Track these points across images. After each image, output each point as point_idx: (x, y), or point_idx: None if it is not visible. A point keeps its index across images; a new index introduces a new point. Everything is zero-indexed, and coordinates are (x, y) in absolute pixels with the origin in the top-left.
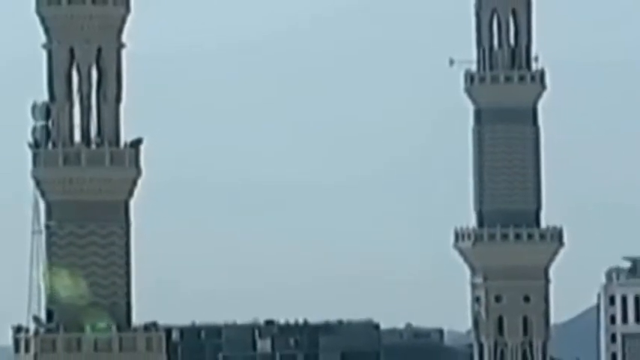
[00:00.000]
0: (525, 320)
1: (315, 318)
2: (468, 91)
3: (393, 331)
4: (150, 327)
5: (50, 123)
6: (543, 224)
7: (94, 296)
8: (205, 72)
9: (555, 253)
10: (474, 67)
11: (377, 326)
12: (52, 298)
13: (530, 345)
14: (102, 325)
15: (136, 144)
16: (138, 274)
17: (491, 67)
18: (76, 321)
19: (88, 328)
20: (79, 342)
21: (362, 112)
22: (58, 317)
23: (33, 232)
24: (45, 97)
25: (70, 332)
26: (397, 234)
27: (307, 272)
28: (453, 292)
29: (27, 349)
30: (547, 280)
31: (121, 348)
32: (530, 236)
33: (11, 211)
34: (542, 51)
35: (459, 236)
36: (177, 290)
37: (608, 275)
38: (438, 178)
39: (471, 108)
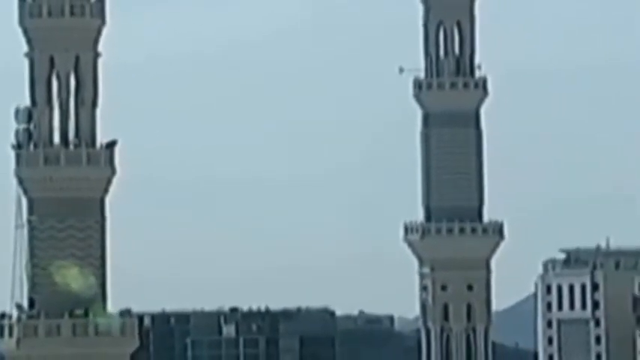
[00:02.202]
0: (469, 307)
1: (276, 305)
2: (417, 97)
3: (347, 318)
4: (124, 314)
5: (32, 126)
6: (485, 219)
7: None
8: (171, 79)
9: (496, 245)
10: (421, 75)
11: (333, 313)
12: (34, 288)
13: (474, 330)
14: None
15: (111, 145)
16: (112, 265)
17: (437, 75)
18: (56, 308)
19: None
20: (58, 327)
21: (320, 116)
22: (40, 305)
23: (16, 227)
24: (27, 102)
25: (51, 318)
26: (351, 228)
27: (269, 263)
28: (402, 281)
29: (10, 334)
30: (489, 271)
31: (97, 333)
32: (473, 230)
33: None
34: (485, 60)
35: (408, 230)
36: (148, 280)
37: (545, 266)
38: (388, 177)
39: (419, 112)
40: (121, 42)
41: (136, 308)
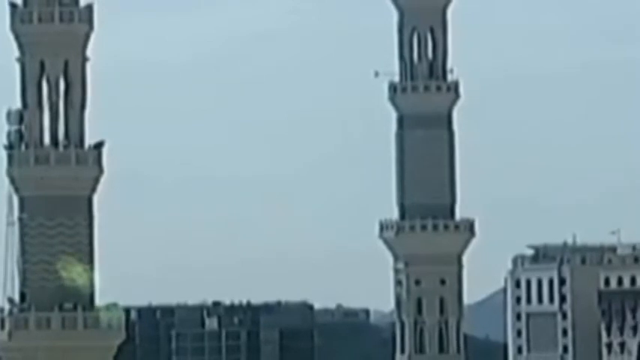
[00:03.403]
0: (441, 301)
1: (257, 299)
2: (392, 100)
3: (325, 311)
4: (111, 307)
5: (23, 127)
6: (457, 217)
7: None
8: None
9: (468, 242)
10: (396, 79)
11: (311, 307)
12: (25, 283)
13: (446, 323)
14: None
15: (99, 146)
16: (100, 260)
17: (411, 79)
18: (46, 302)
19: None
20: (48, 320)
21: (299, 117)
22: (30, 298)
23: (7, 224)
24: (18, 104)
25: (41, 312)
26: (329, 225)
27: (250, 259)
28: (377, 276)
29: (2, 327)
30: (460, 266)
31: (85, 326)
32: (446, 227)
33: None
34: (457, 64)
35: (383, 227)
36: (135, 275)
37: (514, 261)
38: (365, 176)
39: (394, 114)
40: (109, 47)
41: (123, 302)
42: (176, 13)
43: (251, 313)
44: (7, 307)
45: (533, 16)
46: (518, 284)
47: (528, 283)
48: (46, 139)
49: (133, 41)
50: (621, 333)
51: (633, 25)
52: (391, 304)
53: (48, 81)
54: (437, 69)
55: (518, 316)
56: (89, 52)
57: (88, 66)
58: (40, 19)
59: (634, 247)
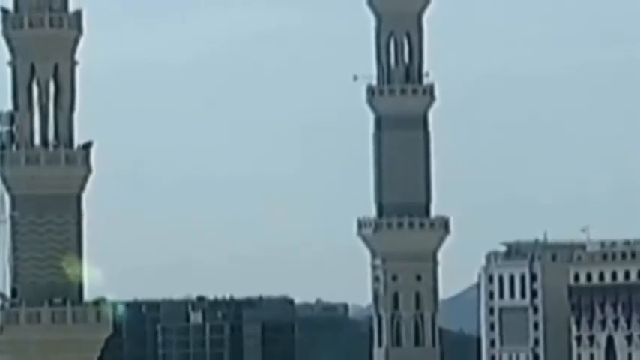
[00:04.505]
0: (417, 296)
1: (240, 294)
2: (370, 102)
3: (305, 305)
4: (99, 302)
5: (14, 128)
6: (433, 215)
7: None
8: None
9: (443, 239)
10: (374, 82)
11: (292, 301)
12: (16, 279)
13: (422, 317)
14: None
15: (87, 146)
16: (89, 256)
17: (388, 82)
18: (37, 297)
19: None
20: (38, 315)
21: (282, 119)
22: (21, 294)
23: None
24: (10, 106)
25: (31, 306)
26: (310, 223)
27: (233, 256)
28: (356, 272)
29: None
30: (435, 262)
31: (74, 319)
32: (421, 225)
33: None
34: (432, 67)
35: (361, 225)
36: (122, 271)
37: (488, 258)
38: (344, 176)
39: (371, 116)
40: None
41: (110, 296)
42: (165, 18)
43: (234, 307)
44: None
45: (508, 19)
46: (491, 280)
47: (501, 278)
48: (37, 140)
49: (121, 45)
50: (590, 327)
51: (605, 28)
52: (369, 299)
53: (38, 84)
54: (413, 72)
55: (491, 311)
56: (78, 56)
57: (77, 69)
58: (30, 25)
59: (602, 244)
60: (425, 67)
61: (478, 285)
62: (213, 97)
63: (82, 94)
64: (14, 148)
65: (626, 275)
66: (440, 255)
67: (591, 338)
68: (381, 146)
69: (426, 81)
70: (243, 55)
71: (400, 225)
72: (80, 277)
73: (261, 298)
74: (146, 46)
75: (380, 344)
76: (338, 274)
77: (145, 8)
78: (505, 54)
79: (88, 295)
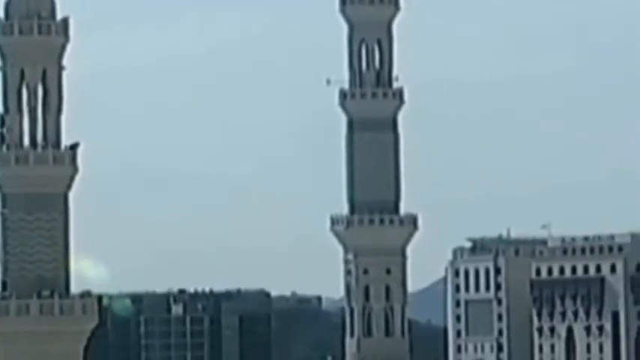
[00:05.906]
0: (387, 289)
1: (218, 287)
2: (342, 105)
3: (281, 298)
4: (85, 295)
5: (4, 130)
6: (402, 212)
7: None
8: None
9: (411, 235)
10: (346, 86)
11: (268, 294)
12: (6, 272)
13: (392, 309)
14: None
15: (74, 147)
16: (76, 251)
17: (360, 86)
18: (26, 290)
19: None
20: (27, 307)
21: (259, 120)
22: (11, 287)
23: None
24: (0, 109)
25: (21, 299)
26: (286, 220)
27: (212, 251)
28: (329, 266)
29: None
30: (404, 257)
31: (61, 312)
32: (391, 221)
33: None
34: (402, 72)
35: (334, 221)
36: (106, 265)
37: (454, 253)
38: (318, 175)
39: (344, 119)
40: (86, 54)
41: (96, 290)
42: (148, 24)
43: (213, 300)
44: None
45: (474, 26)
46: (457, 274)
47: (467, 272)
48: (26, 141)
49: (106, 50)
50: (551, 318)
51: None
52: (341, 292)
53: (27, 87)
54: (383, 77)
55: (458, 303)
56: (65, 61)
57: (64, 74)
58: (20, 31)
59: (563, 240)
60: (395, 72)
61: (445, 279)
62: (193, 99)
63: (73, 96)
64: (4, 148)
65: (585, 269)
66: (409, 250)
67: (552, 329)
68: (353, 147)
69: (395, 85)
70: (222, 59)
71: (371, 221)
72: (67, 271)
73: (239, 291)
74: (124, 50)
75: (352, 335)
76: (312, 268)
77: (125, 15)
78: (470, 59)
79: (74, 288)
